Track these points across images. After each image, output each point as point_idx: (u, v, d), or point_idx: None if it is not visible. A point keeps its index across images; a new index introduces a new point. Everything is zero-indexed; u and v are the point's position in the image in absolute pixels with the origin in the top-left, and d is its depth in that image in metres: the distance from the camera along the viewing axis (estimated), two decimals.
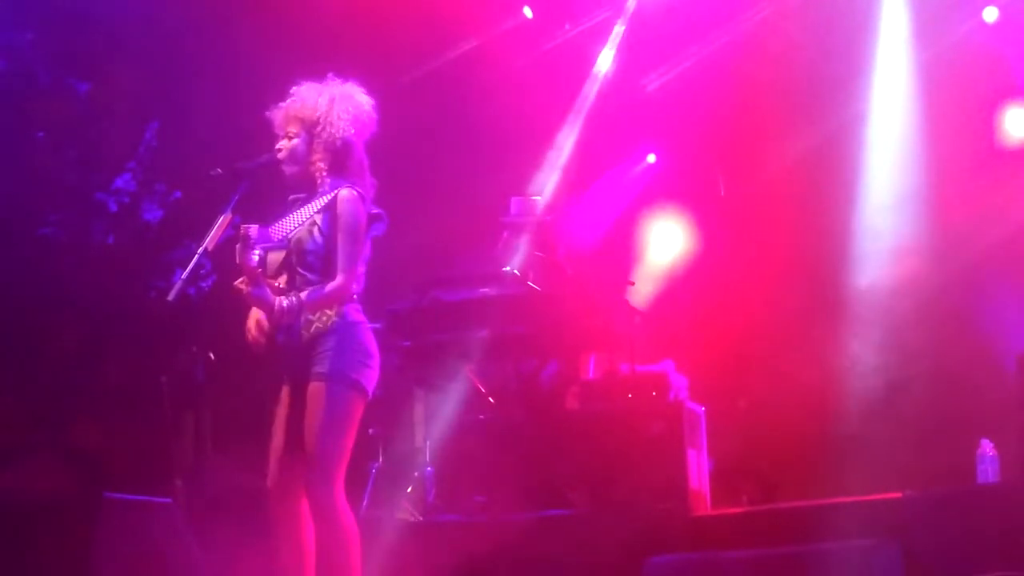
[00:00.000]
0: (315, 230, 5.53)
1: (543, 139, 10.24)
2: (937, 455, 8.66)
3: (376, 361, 5.59)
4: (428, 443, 8.14)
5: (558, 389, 8.34)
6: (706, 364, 9.36)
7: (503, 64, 10.16)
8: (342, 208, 5.52)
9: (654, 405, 8.19)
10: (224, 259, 5.46)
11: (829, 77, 9.99)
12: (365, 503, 7.95)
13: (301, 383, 5.50)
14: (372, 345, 5.59)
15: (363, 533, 5.55)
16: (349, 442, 5.49)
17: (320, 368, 5.46)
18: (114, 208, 9.30)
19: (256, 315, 5.54)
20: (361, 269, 5.59)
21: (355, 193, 5.56)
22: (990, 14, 9.81)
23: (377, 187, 5.72)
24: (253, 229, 5.29)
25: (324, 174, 5.60)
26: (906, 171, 9.95)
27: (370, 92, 5.76)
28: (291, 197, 5.68)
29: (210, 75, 9.35)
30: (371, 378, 5.55)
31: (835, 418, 9.60)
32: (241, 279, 5.32)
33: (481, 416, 8.19)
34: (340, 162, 5.62)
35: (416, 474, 8.10)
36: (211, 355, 7.82)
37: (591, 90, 10.33)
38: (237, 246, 5.28)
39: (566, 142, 10.26)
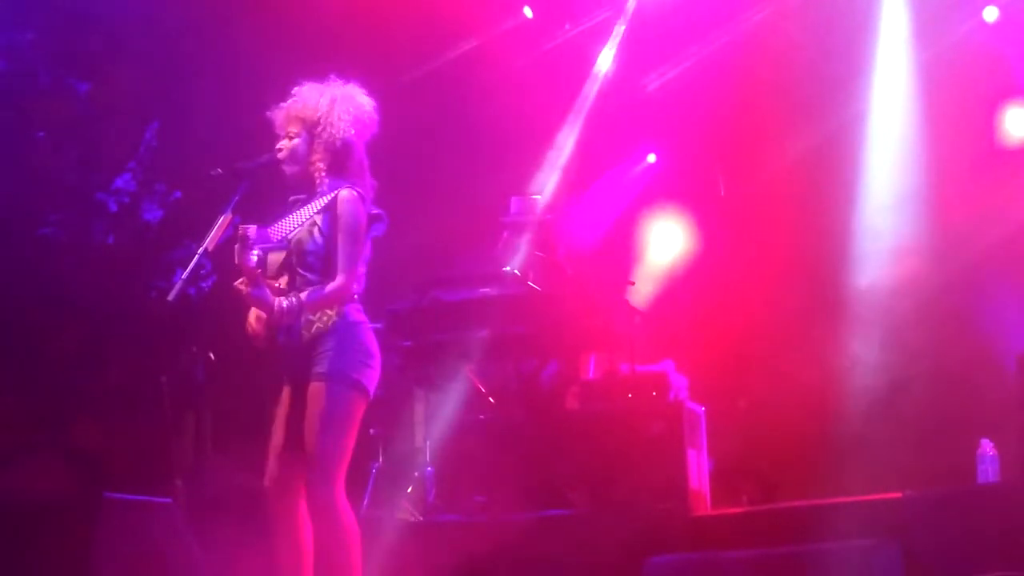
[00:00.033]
0: (315, 230, 5.53)
1: (543, 139, 10.24)
2: (937, 455, 8.65)
3: (377, 361, 5.58)
4: (428, 443, 8.14)
5: (558, 389, 8.33)
6: (706, 364, 9.36)
7: (503, 64, 10.16)
8: (342, 208, 5.52)
9: (654, 405, 8.18)
10: (224, 259, 5.46)
11: (829, 77, 9.99)
12: (365, 503, 7.95)
13: (302, 383, 5.50)
14: (373, 345, 5.59)
15: (363, 533, 5.54)
16: (350, 442, 5.48)
17: (321, 368, 5.46)
18: (114, 208, 9.29)
19: (256, 311, 5.54)
20: (361, 269, 5.59)
21: (355, 193, 5.56)
22: (990, 14, 9.81)
23: (377, 187, 5.72)
24: (251, 229, 5.30)
25: (324, 174, 5.60)
26: (906, 171, 9.95)
27: (370, 92, 5.76)
28: (291, 198, 5.68)
29: (210, 75, 9.35)
30: (372, 378, 5.55)
31: (835, 418, 9.59)
32: (241, 279, 5.33)
33: (481, 416, 8.19)
34: (340, 163, 5.62)
35: (416, 474, 8.11)
36: (211, 355, 7.83)
37: (591, 90, 10.33)
38: (236, 247, 5.29)
39: (566, 142, 10.26)
